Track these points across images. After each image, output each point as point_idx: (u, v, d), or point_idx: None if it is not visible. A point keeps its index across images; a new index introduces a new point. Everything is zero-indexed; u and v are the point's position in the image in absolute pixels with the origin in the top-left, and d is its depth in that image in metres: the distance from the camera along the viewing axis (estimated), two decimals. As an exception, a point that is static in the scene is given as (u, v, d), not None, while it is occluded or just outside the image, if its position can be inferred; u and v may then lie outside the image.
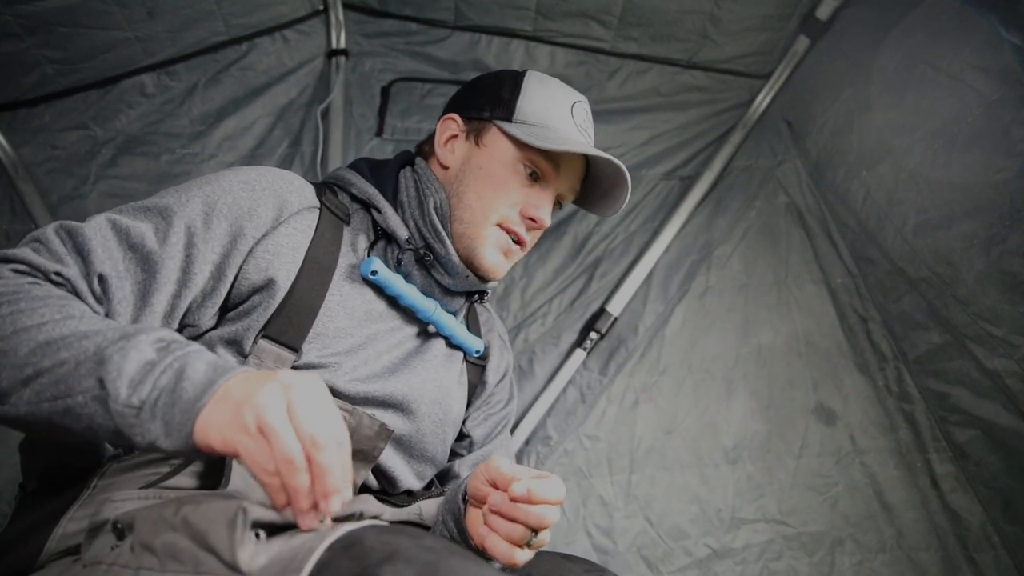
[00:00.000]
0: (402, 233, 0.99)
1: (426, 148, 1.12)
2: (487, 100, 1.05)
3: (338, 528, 0.59)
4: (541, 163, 1.01)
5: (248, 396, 0.58)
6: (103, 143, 1.68)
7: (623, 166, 1.02)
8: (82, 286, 0.75)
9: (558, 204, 1.09)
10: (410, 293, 0.98)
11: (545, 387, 1.79)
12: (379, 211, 1.00)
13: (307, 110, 1.80)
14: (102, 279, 0.76)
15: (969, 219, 1.33)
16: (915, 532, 1.64)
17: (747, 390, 1.77)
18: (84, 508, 0.73)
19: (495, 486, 0.80)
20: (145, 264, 0.79)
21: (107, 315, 0.77)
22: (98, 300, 0.76)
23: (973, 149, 1.29)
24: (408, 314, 1.01)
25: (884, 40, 1.46)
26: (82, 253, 0.76)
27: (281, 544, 0.58)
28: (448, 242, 0.99)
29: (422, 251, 0.99)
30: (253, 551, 0.56)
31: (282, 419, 0.56)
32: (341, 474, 0.57)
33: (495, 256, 1.02)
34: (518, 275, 1.84)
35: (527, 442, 1.78)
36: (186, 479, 0.76)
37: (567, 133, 1.02)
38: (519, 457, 1.76)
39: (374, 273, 0.94)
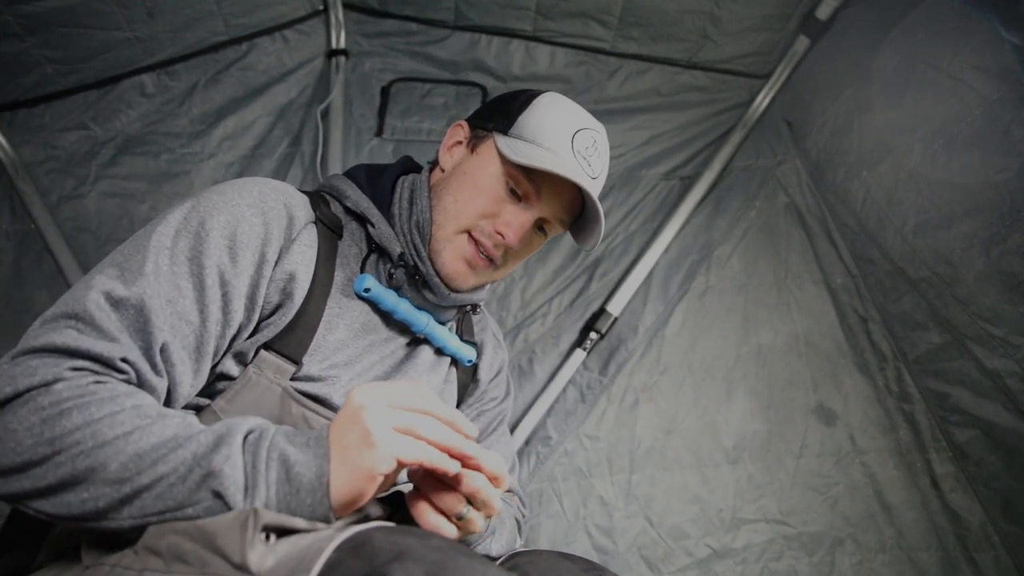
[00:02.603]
0: (395, 249, 0.97)
1: (439, 151, 1.10)
2: (497, 112, 1.03)
3: (346, 529, 0.59)
4: (522, 182, 0.97)
5: (366, 431, 0.63)
6: (103, 143, 1.68)
7: (597, 201, 0.97)
8: (145, 367, 0.72)
9: (542, 231, 1.04)
10: (403, 308, 0.98)
11: (545, 387, 1.79)
12: (372, 225, 0.98)
13: (307, 110, 1.80)
14: (163, 349, 0.74)
15: (969, 219, 1.33)
16: (915, 532, 1.64)
17: (747, 390, 1.77)
18: None
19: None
20: (192, 319, 0.78)
21: (170, 382, 0.76)
22: (159, 373, 0.75)
23: (973, 149, 1.29)
24: (401, 325, 1.01)
25: (884, 40, 1.46)
26: (139, 328, 0.72)
27: (289, 546, 0.59)
28: (428, 260, 0.98)
29: (412, 268, 0.98)
30: (263, 552, 0.56)
31: (408, 412, 0.65)
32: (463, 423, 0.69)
33: (456, 263, 0.98)
34: (518, 275, 1.84)
35: (527, 442, 1.78)
36: None
37: (557, 155, 0.97)
38: (519, 457, 1.76)
39: (367, 291, 0.94)
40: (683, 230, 1.84)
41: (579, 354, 1.79)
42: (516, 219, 0.97)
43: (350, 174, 1.06)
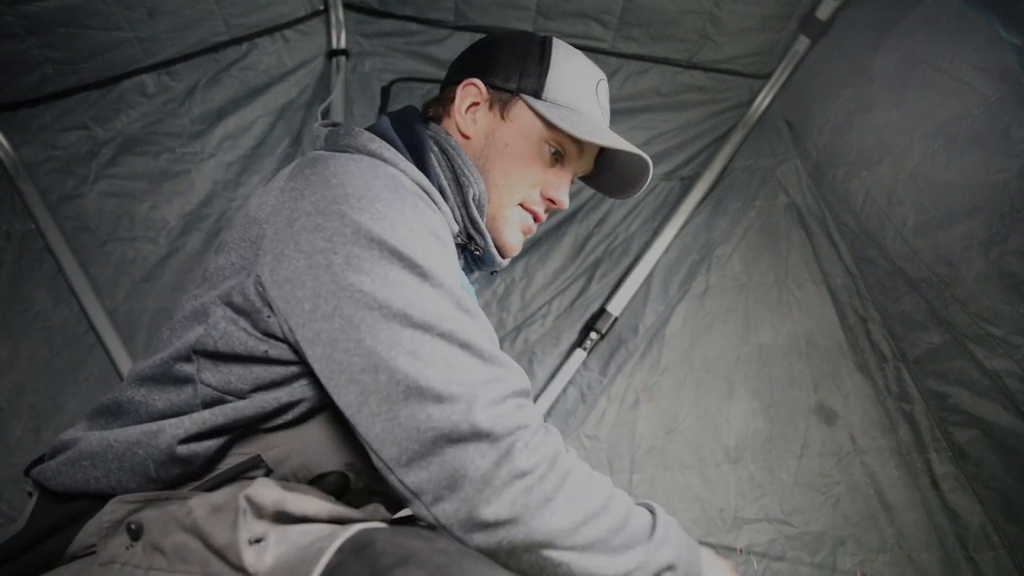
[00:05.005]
0: (454, 228, 0.93)
1: (438, 110, 1.02)
2: (514, 70, 0.98)
3: (348, 528, 0.58)
4: (568, 145, 0.98)
5: None
6: (103, 143, 1.68)
7: (649, 160, 1.01)
8: None
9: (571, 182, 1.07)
10: (471, 288, 0.99)
11: (545, 387, 1.79)
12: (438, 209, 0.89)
13: (307, 110, 1.80)
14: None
15: (969, 219, 1.33)
16: (915, 532, 1.64)
17: (748, 390, 1.77)
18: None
19: None
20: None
21: None
22: None
23: (973, 149, 1.29)
24: None
25: (884, 40, 1.46)
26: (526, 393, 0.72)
27: (288, 545, 0.58)
28: (487, 235, 0.96)
29: (472, 246, 0.97)
30: (261, 550, 0.56)
31: None
32: None
33: (517, 236, 1.00)
34: (518, 276, 1.84)
35: (527, 442, 1.77)
36: None
37: (595, 118, 1.00)
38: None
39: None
40: (683, 230, 1.84)
41: (579, 354, 1.79)
42: (563, 182, 1.00)
43: (392, 142, 0.90)
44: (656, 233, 1.84)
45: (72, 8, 1.43)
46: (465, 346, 0.67)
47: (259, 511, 0.60)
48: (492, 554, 0.64)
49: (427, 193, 0.85)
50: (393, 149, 0.86)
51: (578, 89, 0.99)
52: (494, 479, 0.62)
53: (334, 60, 1.79)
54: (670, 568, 0.72)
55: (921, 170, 1.41)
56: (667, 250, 1.83)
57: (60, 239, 1.64)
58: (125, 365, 1.65)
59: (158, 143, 1.71)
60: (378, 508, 0.76)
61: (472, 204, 0.93)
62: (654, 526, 0.73)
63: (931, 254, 1.44)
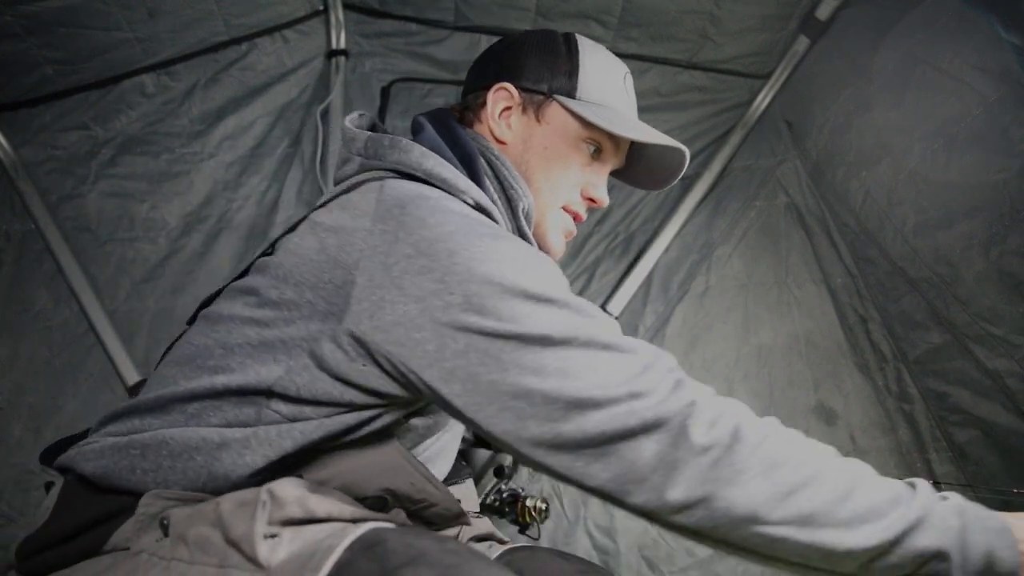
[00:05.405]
0: None
1: (468, 116, 0.99)
2: (544, 71, 0.96)
3: (358, 526, 0.59)
4: (605, 142, 0.98)
5: None
6: (103, 143, 1.68)
7: (687, 151, 1.01)
8: None
9: None
10: None
11: (545, 387, 1.78)
12: (495, 223, 0.87)
13: (307, 110, 1.80)
14: None
15: (969, 219, 1.33)
16: (915, 532, 1.64)
17: (748, 390, 1.77)
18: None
19: None
20: None
21: None
22: None
23: (973, 149, 1.29)
24: None
25: (884, 40, 1.46)
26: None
27: (302, 540, 0.58)
28: (535, 246, 0.96)
29: None
30: (275, 544, 0.56)
31: None
32: None
33: (560, 240, 0.99)
34: (518, 275, 1.84)
35: (527, 442, 1.78)
36: None
37: (628, 112, 1.01)
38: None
39: None
40: (683, 230, 1.84)
41: (579, 354, 1.79)
42: (602, 180, 1.00)
43: (446, 156, 0.87)
44: (656, 233, 1.84)
45: (72, 8, 1.43)
46: (607, 347, 0.67)
47: (280, 506, 0.60)
48: (701, 535, 0.64)
49: (489, 215, 0.84)
50: (450, 167, 0.84)
51: (608, 85, 0.98)
52: (675, 461, 0.63)
53: (334, 60, 1.79)
54: (938, 557, 0.63)
55: (921, 170, 1.41)
56: (667, 250, 1.83)
57: (60, 239, 1.64)
58: (125, 365, 1.65)
59: (158, 143, 1.71)
60: (399, 513, 0.76)
61: (522, 217, 0.92)
62: (908, 502, 0.65)
63: (931, 254, 1.44)
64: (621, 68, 1.02)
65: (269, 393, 0.71)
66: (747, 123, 1.82)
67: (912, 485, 0.68)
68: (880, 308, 1.71)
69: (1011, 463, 1.46)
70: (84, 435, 0.84)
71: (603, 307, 1.81)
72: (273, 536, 0.58)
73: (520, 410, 0.65)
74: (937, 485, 0.70)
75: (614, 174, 1.10)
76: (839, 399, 1.74)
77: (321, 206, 0.80)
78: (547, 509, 1.33)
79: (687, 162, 1.02)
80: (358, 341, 0.69)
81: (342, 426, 0.72)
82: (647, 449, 0.63)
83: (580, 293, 1.84)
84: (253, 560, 0.55)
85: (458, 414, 0.68)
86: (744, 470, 0.63)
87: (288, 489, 0.61)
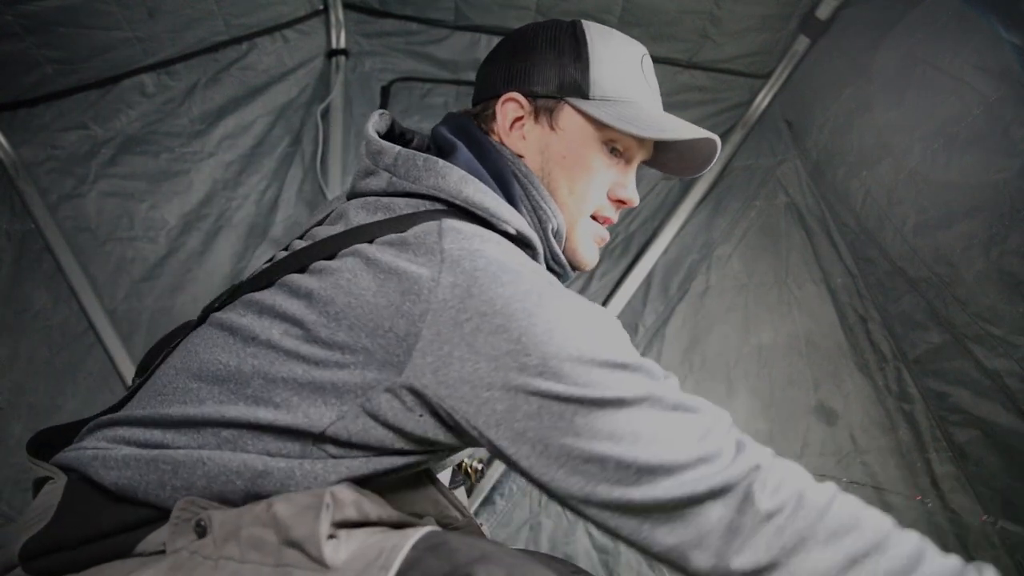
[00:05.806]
0: (541, 267, 0.86)
1: (483, 127, 0.94)
2: (552, 72, 0.90)
3: (418, 529, 0.60)
4: (627, 139, 0.91)
5: None
6: (103, 143, 1.68)
7: (718, 139, 0.97)
8: None
9: None
10: None
11: (545, 387, 1.79)
12: (535, 251, 0.85)
13: (307, 110, 1.80)
14: None
15: (969, 219, 1.33)
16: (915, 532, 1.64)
17: (748, 389, 1.77)
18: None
19: None
20: None
21: None
22: None
23: (973, 149, 1.29)
24: None
25: (884, 40, 1.46)
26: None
27: (359, 541, 0.59)
28: (567, 266, 0.93)
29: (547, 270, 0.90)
30: (336, 545, 0.57)
31: None
32: None
33: (592, 250, 0.95)
34: (518, 275, 1.84)
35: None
36: None
37: (649, 103, 0.93)
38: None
39: None
40: (683, 230, 1.84)
41: (579, 354, 1.79)
42: (629, 180, 0.95)
43: (479, 175, 0.85)
44: (656, 232, 1.84)
45: (72, 8, 1.43)
46: (675, 408, 0.67)
47: (340, 508, 0.61)
48: None
49: (531, 243, 0.82)
50: (491, 194, 0.81)
51: (624, 75, 0.91)
52: (740, 527, 0.63)
53: (334, 60, 1.79)
54: None
55: (921, 170, 1.41)
56: (667, 250, 1.83)
57: (59, 239, 1.64)
58: (124, 364, 1.65)
59: (158, 143, 1.72)
60: (431, 520, 0.78)
61: (552, 238, 0.89)
62: None
63: (931, 254, 1.44)
64: (637, 51, 0.94)
65: (320, 437, 0.69)
66: (747, 123, 1.82)
67: (979, 570, 0.71)
68: (880, 308, 1.71)
69: (1011, 463, 1.46)
70: (74, 427, 0.84)
71: (603, 307, 1.81)
72: (332, 537, 0.58)
73: (591, 474, 0.64)
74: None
75: (643, 163, 1.03)
76: (839, 399, 1.74)
77: (367, 238, 0.75)
78: (482, 471, 1.37)
79: (719, 149, 0.97)
80: (418, 394, 0.67)
81: (389, 466, 0.71)
82: (713, 514, 0.63)
83: (580, 293, 1.84)
84: (318, 560, 0.56)
85: (523, 473, 0.68)
86: (809, 537, 0.63)
87: (346, 492, 0.63)
